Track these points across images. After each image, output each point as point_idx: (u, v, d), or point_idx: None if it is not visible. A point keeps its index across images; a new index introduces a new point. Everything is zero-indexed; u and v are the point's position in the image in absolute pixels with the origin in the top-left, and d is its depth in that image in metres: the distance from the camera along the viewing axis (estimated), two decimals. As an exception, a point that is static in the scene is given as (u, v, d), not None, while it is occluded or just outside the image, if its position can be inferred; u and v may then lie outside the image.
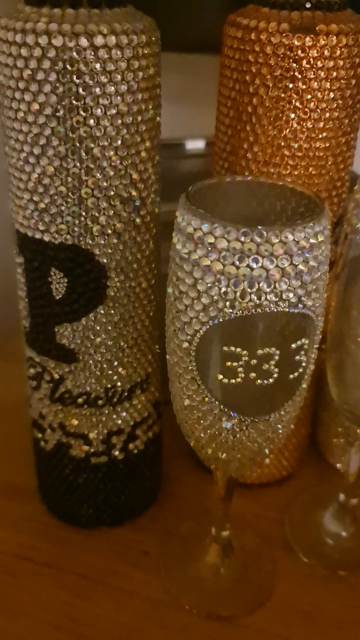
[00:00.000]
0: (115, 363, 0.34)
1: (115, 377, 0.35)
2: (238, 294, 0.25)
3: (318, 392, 0.43)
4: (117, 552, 0.39)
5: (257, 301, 0.25)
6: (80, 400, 0.35)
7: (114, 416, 0.36)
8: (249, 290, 0.25)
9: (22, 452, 0.42)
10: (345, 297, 0.34)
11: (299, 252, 0.25)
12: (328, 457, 0.45)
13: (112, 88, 0.28)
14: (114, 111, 0.28)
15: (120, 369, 0.34)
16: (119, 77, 0.28)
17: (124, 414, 0.36)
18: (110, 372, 0.34)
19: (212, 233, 0.25)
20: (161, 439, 0.40)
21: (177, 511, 0.42)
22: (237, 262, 0.25)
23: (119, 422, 0.36)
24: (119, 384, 0.35)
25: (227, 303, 0.25)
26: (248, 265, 0.25)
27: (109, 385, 0.35)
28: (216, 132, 0.35)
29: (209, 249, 0.25)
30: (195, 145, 0.59)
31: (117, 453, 0.37)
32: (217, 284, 0.25)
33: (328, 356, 0.35)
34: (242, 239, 0.24)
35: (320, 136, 0.32)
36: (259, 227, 0.24)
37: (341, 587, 0.38)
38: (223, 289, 0.25)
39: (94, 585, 0.37)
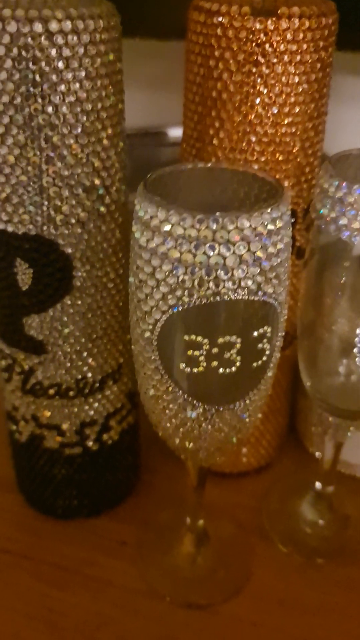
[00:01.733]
0: (85, 354, 0.34)
1: (85, 368, 0.34)
2: (196, 282, 0.25)
3: (296, 380, 0.43)
4: (94, 543, 0.39)
5: (215, 289, 0.25)
6: (51, 391, 0.35)
7: (86, 407, 0.36)
8: (206, 278, 0.25)
9: (1, 444, 0.43)
10: (316, 285, 0.33)
11: (257, 238, 0.24)
12: (307, 445, 0.45)
13: (70, 75, 0.27)
14: (72, 98, 0.28)
15: (90, 360, 0.34)
16: (76, 63, 0.27)
17: (97, 405, 0.36)
18: (80, 363, 0.34)
19: (168, 220, 0.24)
20: (137, 429, 0.40)
21: (155, 500, 0.42)
22: (194, 250, 0.24)
23: (92, 413, 0.36)
24: (89, 374, 0.35)
25: (186, 291, 0.25)
26: (205, 253, 0.24)
27: (80, 377, 0.35)
28: (184, 119, 0.35)
29: (166, 236, 0.25)
30: (179, 132, 0.59)
31: (91, 444, 0.37)
32: (174, 272, 0.25)
33: (299, 345, 0.35)
34: (198, 226, 0.24)
35: (286, 121, 0.31)
36: (216, 214, 0.24)
37: (317, 575, 0.38)
38: (181, 277, 0.25)
39: (71, 575, 0.37)
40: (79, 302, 0.32)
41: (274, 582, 0.37)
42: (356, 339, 0.33)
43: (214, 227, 0.24)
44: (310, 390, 0.35)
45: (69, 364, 0.34)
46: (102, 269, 0.32)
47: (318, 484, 0.40)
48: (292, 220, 0.35)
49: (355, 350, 0.33)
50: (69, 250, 0.31)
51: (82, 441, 0.37)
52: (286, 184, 0.33)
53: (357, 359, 0.32)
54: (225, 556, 0.38)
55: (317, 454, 0.44)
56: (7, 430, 0.39)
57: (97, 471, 0.38)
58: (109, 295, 0.33)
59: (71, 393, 0.35)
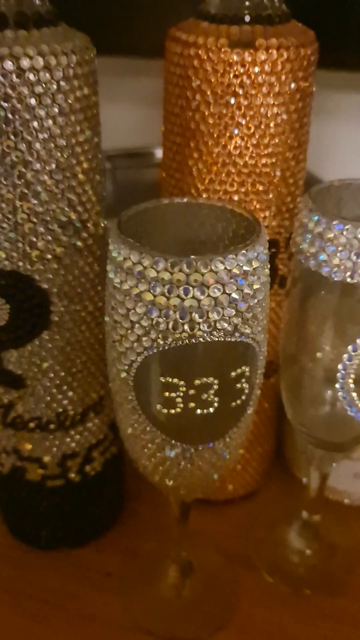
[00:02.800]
0: (65, 387, 0.33)
1: (65, 402, 0.34)
2: (170, 324, 0.24)
3: (282, 406, 0.42)
4: (78, 574, 0.39)
5: (191, 332, 0.24)
6: (31, 424, 0.34)
7: (68, 439, 0.35)
8: (181, 321, 0.24)
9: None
10: (298, 314, 0.33)
11: (232, 280, 0.24)
12: (294, 471, 0.44)
13: (43, 111, 0.27)
14: (46, 135, 0.27)
15: (70, 393, 0.34)
16: (49, 100, 0.27)
17: (78, 437, 0.35)
18: (60, 396, 0.34)
19: (140, 263, 0.24)
20: (121, 459, 0.40)
21: (140, 529, 0.41)
22: (167, 293, 0.24)
23: (73, 445, 0.36)
24: (70, 407, 0.34)
25: (160, 334, 0.25)
26: (179, 296, 0.24)
27: (60, 410, 0.34)
28: (163, 148, 0.34)
29: (139, 279, 0.24)
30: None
31: (73, 476, 0.37)
32: (148, 314, 0.24)
33: (281, 375, 0.34)
34: (171, 269, 0.23)
35: (265, 152, 0.31)
36: (191, 257, 0.23)
37: (305, 606, 0.37)
38: (155, 320, 0.24)
39: (54, 610, 0.37)
40: (58, 337, 0.32)
41: (261, 614, 0.37)
42: (339, 368, 0.32)
43: (187, 270, 0.23)
44: (293, 422, 0.35)
45: (48, 398, 0.33)
46: (80, 303, 0.32)
47: (304, 513, 0.39)
48: (274, 250, 0.34)
49: (338, 377, 0.32)
50: (46, 286, 0.30)
51: (65, 473, 0.36)
52: (267, 213, 0.33)
53: (339, 392, 0.31)
54: (211, 588, 0.38)
55: (305, 479, 0.44)
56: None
57: (80, 502, 0.38)
58: (88, 328, 0.33)
59: (52, 426, 0.34)
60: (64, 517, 0.38)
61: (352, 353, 0.30)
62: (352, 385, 0.30)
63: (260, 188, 0.32)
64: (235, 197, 0.32)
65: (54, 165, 0.28)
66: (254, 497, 0.43)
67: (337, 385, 0.30)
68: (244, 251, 0.24)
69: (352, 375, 0.30)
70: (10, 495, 0.38)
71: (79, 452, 0.36)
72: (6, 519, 0.40)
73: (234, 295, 0.24)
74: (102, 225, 0.32)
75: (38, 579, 0.38)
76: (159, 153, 0.54)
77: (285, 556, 0.39)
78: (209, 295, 0.24)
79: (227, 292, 0.24)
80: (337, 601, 0.37)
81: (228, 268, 0.24)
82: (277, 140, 0.31)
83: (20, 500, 0.38)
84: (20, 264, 0.30)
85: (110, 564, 0.39)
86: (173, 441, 0.28)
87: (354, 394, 0.30)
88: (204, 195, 0.32)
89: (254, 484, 0.42)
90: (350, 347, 0.30)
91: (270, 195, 0.32)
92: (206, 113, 0.30)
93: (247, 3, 0.29)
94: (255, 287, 0.25)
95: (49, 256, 0.30)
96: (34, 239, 0.29)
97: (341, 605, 0.37)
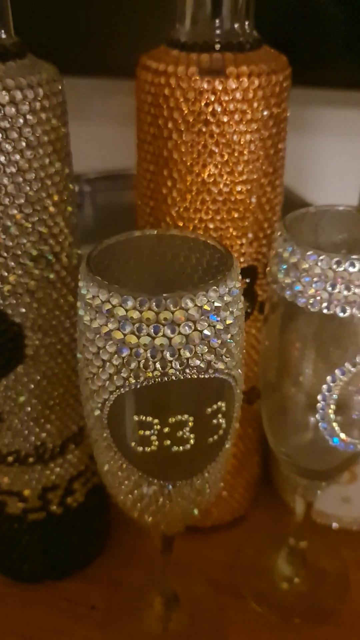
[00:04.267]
0: (43, 420, 0.33)
1: (43, 435, 0.33)
2: (141, 363, 0.24)
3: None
4: (62, 608, 0.38)
5: (162, 370, 0.24)
6: (9, 458, 0.34)
7: (48, 472, 0.35)
8: (152, 359, 0.23)
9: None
10: (279, 339, 0.32)
11: (203, 317, 0.23)
12: (282, 494, 0.44)
13: (9, 146, 0.26)
14: (13, 169, 0.27)
15: (48, 426, 0.33)
16: (16, 134, 0.26)
17: (58, 469, 0.35)
18: (38, 429, 0.33)
19: (109, 301, 0.23)
20: (104, 488, 0.39)
21: (125, 559, 0.41)
22: (137, 332, 0.23)
23: (54, 477, 0.35)
24: (48, 440, 0.34)
25: (131, 373, 0.24)
26: (149, 334, 0.23)
27: (39, 443, 0.33)
28: (137, 176, 0.34)
29: (108, 317, 0.24)
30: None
31: (54, 508, 0.36)
32: (119, 353, 0.24)
33: (262, 402, 0.34)
34: (140, 307, 0.23)
35: (240, 179, 0.30)
36: (160, 295, 0.23)
37: (294, 636, 0.36)
38: (126, 359, 0.24)
39: (37, 645, 0.36)
40: (33, 371, 0.31)
41: (249, 645, 0.36)
42: (319, 399, 0.32)
43: (157, 308, 0.23)
44: (275, 450, 0.34)
45: (26, 432, 0.33)
46: (55, 335, 0.31)
47: (291, 540, 0.38)
48: (251, 278, 0.34)
49: (318, 407, 0.32)
50: (19, 320, 0.30)
51: (46, 506, 0.36)
52: (244, 240, 0.32)
53: (320, 422, 0.31)
54: (198, 619, 0.37)
55: (292, 503, 0.43)
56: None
57: (63, 534, 0.37)
58: (64, 360, 0.32)
59: (30, 459, 0.34)
60: (47, 549, 0.37)
61: (331, 384, 0.29)
62: (332, 416, 0.30)
63: (236, 215, 0.31)
64: (211, 225, 0.31)
65: (22, 200, 0.27)
66: (241, 523, 0.42)
67: (317, 416, 0.30)
68: (215, 287, 0.24)
69: (332, 406, 0.30)
70: (-9, 528, 0.37)
71: (59, 484, 0.35)
72: (-12, 552, 0.40)
73: (205, 332, 0.24)
74: (77, 255, 0.31)
75: (20, 614, 0.37)
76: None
77: (273, 584, 0.39)
78: (180, 333, 0.23)
79: (199, 329, 0.23)
80: (326, 629, 0.37)
81: (199, 305, 0.23)
82: (251, 167, 0.30)
83: (1, 534, 0.37)
84: (-8, 298, 0.29)
85: (95, 596, 0.38)
86: (150, 478, 0.27)
87: (335, 424, 0.30)
88: (180, 223, 0.32)
89: (240, 509, 0.42)
90: (329, 378, 0.29)
91: (247, 222, 0.32)
92: (178, 141, 0.30)
93: (217, 31, 0.29)
94: (228, 322, 0.24)
95: (21, 290, 0.29)
96: (5, 274, 0.28)
97: (330, 634, 0.36)
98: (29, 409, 0.32)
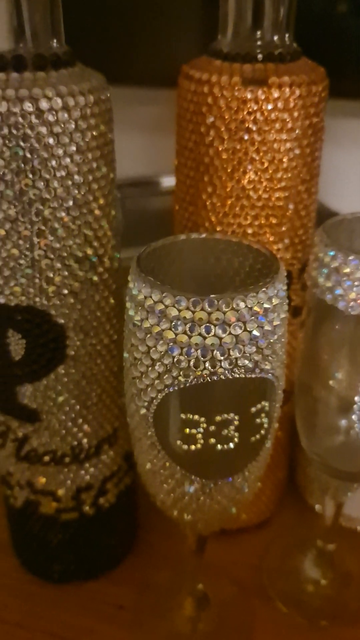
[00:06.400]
0: (80, 421, 0.33)
1: (80, 435, 0.34)
2: (192, 362, 0.24)
3: (295, 433, 0.42)
4: (91, 608, 0.38)
5: (212, 369, 0.24)
6: (46, 458, 0.34)
7: (82, 472, 0.35)
8: (202, 358, 0.24)
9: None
10: (313, 343, 0.33)
11: (253, 318, 0.24)
12: (307, 498, 0.44)
13: (61, 150, 0.27)
14: (63, 173, 0.28)
15: (85, 426, 0.34)
16: (67, 139, 0.27)
17: (93, 469, 0.35)
18: (75, 429, 0.33)
19: (162, 302, 0.24)
20: (135, 490, 0.40)
21: (153, 560, 0.41)
22: (189, 331, 0.24)
23: (88, 478, 0.35)
24: (84, 440, 0.34)
25: (181, 372, 0.25)
26: (200, 334, 0.24)
27: (75, 443, 0.34)
28: (176, 182, 0.34)
29: (160, 317, 0.24)
30: (171, 181, 0.59)
31: (87, 508, 0.36)
32: (170, 352, 0.24)
33: (296, 404, 0.34)
34: (193, 308, 0.24)
35: (279, 186, 0.31)
36: (210, 296, 0.24)
37: (321, 638, 0.37)
38: (176, 358, 0.24)
39: (67, 644, 0.36)
40: (73, 371, 0.32)
41: (277, 646, 0.36)
42: (356, 398, 0.32)
43: (209, 309, 0.24)
44: (308, 451, 0.35)
45: (63, 431, 0.33)
46: (95, 336, 0.32)
47: (319, 542, 0.39)
48: (287, 282, 0.35)
49: (355, 409, 0.32)
50: (62, 321, 0.30)
51: (79, 506, 0.36)
52: (280, 246, 0.33)
53: (356, 423, 0.31)
54: (226, 620, 0.37)
55: (317, 506, 0.43)
56: (2, 494, 0.39)
57: (94, 535, 0.38)
58: (103, 361, 0.33)
59: (66, 459, 0.34)
60: (77, 550, 0.38)
61: (369, 385, 0.30)
62: (368, 417, 0.30)
63: (274, 221, 0.32)
64: (249, 230, 0.32)
65: (70, 202, 0.28)
66: (267, 526, 0.43)
67: (353, 417, 0.31)
68: (265, 289, 0.24)
69: (369, 407, 0.30)
70: (23, 529, 0.38)
71: (93, 484, 0.36)
72: (18, 553, 0.40)
73: (254, 332, 0.24)
74: (117, 259, 0.32)
75: (50, 614, 0.38)
76: (165, 181, 0.54)
77: (300, 586, 0.39)
78: (230, 333, 0.24)
79: (248, 329, 0.24)
80: (353, 631, 0.37)
81: (249, 306, 0.24)
82: (290, 175, 0.31)
83: (33, 534, 0.37)
84: (37, 299, 0.30)
85: (123, 596, 0.39)
86: (192, 476, 0.28)
87: (371, 426, 0.30)
88: (218, 229, 0.33)
89: (267, 512, 0.42)
90: (367, 379, 0.30)
91: (284, 228, 0.33)
92: (220, 148, 0.31)
93: (259, 42, 0.30)
94: (275, 323, 0.25)
95: (66, 291, 0.30)
96: (51, 275, 0.29)
97: (357, 636, 0.37)
98: (67, 408, 0.33)
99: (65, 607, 0.38)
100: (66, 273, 0.29)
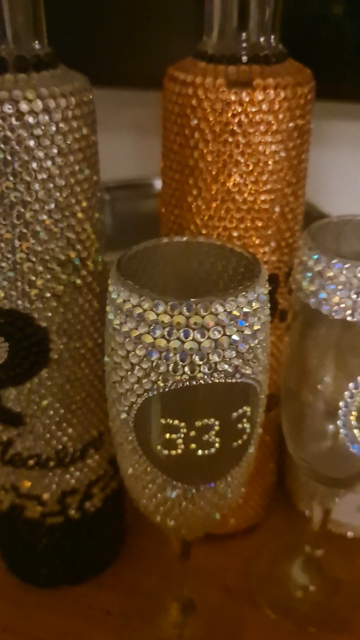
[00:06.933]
0: (64, 424, 0.33)
1: (65, 439, 0.34)
2: (170, 367, 0.24)
3: (283, 439, 0.42)
4: (78, 613, 0.38)
5: (191, 374, 0.24)
6: (30, 462, 0.34)
7: (67, 476, 0.35)
8: (181, 363, 0.24)
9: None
10: (299, 347, 0.33)
11: (232, 322, 0.24)
12: (297, 503, 0.44)
13: (42, 153, 0.27)
14: (45, 175, 0.27)
15: (70, 430, 0.33)
16: (48, 141, 0.27)
17: (78, 473, 0.35)
18: (59, 433, 0.33)
19: (140, 305, 0.24)
20: (121, 494, 0.39)
21: (140, 565, 0.41)
22: (167, 335, 0.24)
23: (73, 482, 0.35)
24: (69, 444, 0.34)
25: (160, 376, 0.24)
26: (179, 338, 0.24)
27: (60, 447, 0.34)
28: (162, 185, 0.34)
29: (139, 321, 0.24)
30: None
31: (73, 512, 0.36)
32: (148, 356, 0.24)
33: (282, 409, 0.34)
34: (171, 312, 0.23)
35: (264, 189, 0.31)
36: (191, 300, 0.23)
37: (308, 644, 0.36)
38: (155, 362, 0.24)
39: (53, 650, 0.36)
40: (57, 374, 0.32)
41: (264, 653, 0.36)
42: (341, 403, 0.32)
43: (188, 313, 0.23)
44: (295, 456, 0.34)
45: (48, 435, 0.33)
46: (79, 340, 0.32)
47: (307, 548, 0.39)
48: (274, 285, 0.34)
49: (340, 414, 0.32)
50: (45, 324, 0.30)
51: (64, 510, 0.36)
52: (267, 249, 0.33)
53: (341, 429, 0.31)
54: (213, 626, 0.37)
55: (307, 512, 0.43)
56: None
57: (80, 539, 0.37)
58: (87, 365, 0.32)
59: (51, 463, 0.34)
60: (64, 554, 0.38)
61: (354, 390, 0.29)
62: (354, 422, 0.30)
63: (260, 224, 0.32)
64: (235, 233, 0.32)
65: (52, 205, 0.28)
66: (256, 531, 0.42)
67: (338, 422, 0.30)
68: (244, 293, 0.24)
69: (354, 412, 0.30)
70: (9, 532, 0.37)
71: (78, 488, 0.36)
72: (4, 556, 0.40)
73: (234, 337, 0.24)
74: (101, 261, 0.32)
75: (36, 618, 0.38)
76: (156, 184, 0.54)
77: (289, 592, 0.39)
78: (209, 338, 0.24)
79: (228, 334, 0.24)
80: (341, 638, 0.37)
81: (228, 310, 0.24)
82: (275, 177, 0.31)
83: (19, 537, 0.37)
84: (19, 302, 0.29)
85: (110, 601, 0.39)
86: (174, 482, 0.27)
87: (356, 431, 0.30)
88: (203, 231, 0.32)
89: (255, 517, 0.42)
90: (351, 385, 0.29)
91: (270, 231, 0.32)
92: (204, 151, 0.31)
93: (244, 44, 0.30)
94: (255, 327, 0.25)
95: (48, 294, 0.30)
96: (33, 278, 0.29)
97: (346, 643, 0.37)
98: (52, 412, 0.32)
99: (51, 612, 0.38)
100: (49, 276, 0.29)
